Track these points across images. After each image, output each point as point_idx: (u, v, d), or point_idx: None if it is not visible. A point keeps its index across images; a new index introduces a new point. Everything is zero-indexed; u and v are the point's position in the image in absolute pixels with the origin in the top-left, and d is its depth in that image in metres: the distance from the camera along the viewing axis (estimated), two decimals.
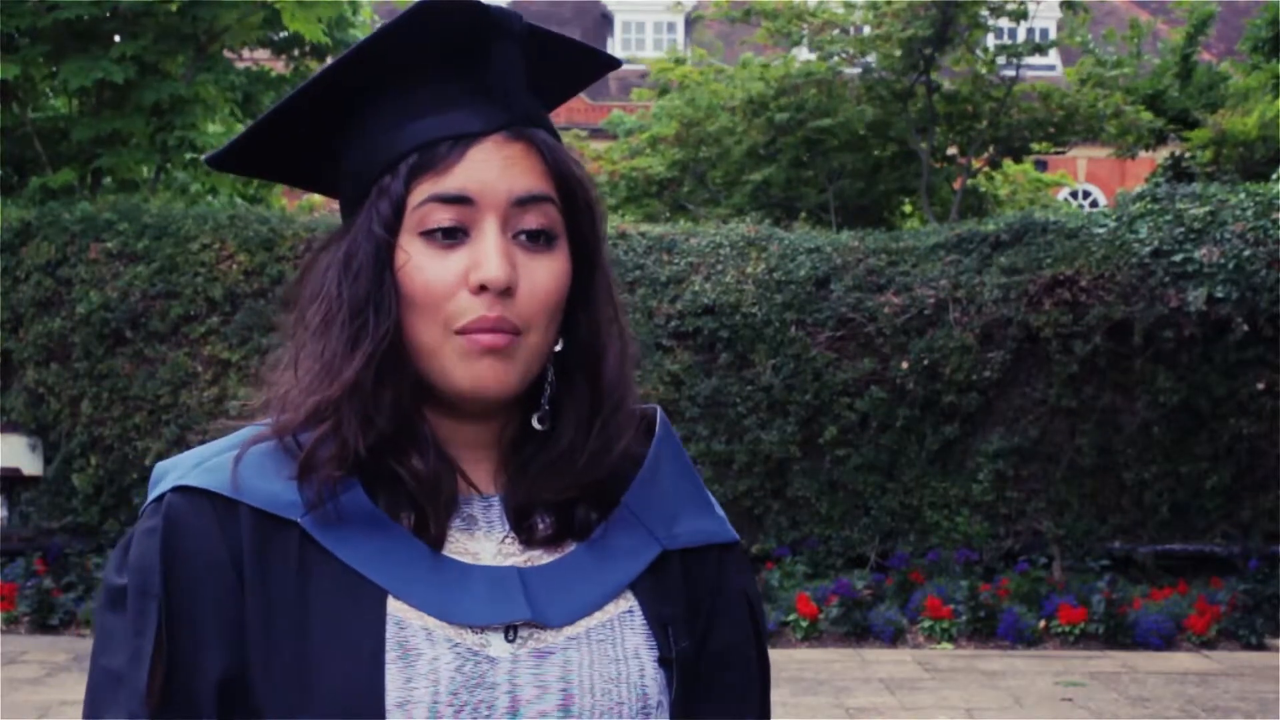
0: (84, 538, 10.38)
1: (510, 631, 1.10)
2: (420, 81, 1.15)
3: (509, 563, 1.14)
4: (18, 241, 10.57)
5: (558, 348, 1.16)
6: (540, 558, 1.15)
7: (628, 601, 1.15)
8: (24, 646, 8.88)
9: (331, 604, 1.09)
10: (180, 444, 10.09)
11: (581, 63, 1.26)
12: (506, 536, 1.15)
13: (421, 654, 1.08)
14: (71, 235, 10.49)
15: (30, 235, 10.56)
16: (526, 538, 1.15)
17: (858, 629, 9.22)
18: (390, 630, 1.08)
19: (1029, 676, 8.19)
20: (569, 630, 1.12)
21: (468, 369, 1.11)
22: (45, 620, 9.40)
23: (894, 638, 9.18)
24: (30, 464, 10.50)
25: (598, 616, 1.13)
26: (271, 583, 1.09)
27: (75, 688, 7.63)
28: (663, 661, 1.14)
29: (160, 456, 10.54)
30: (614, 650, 1.13)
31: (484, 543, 1.15)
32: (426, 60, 1.14)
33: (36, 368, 10.49)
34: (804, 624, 9.16)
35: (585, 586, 1.14)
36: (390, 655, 1.07)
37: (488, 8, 1.13)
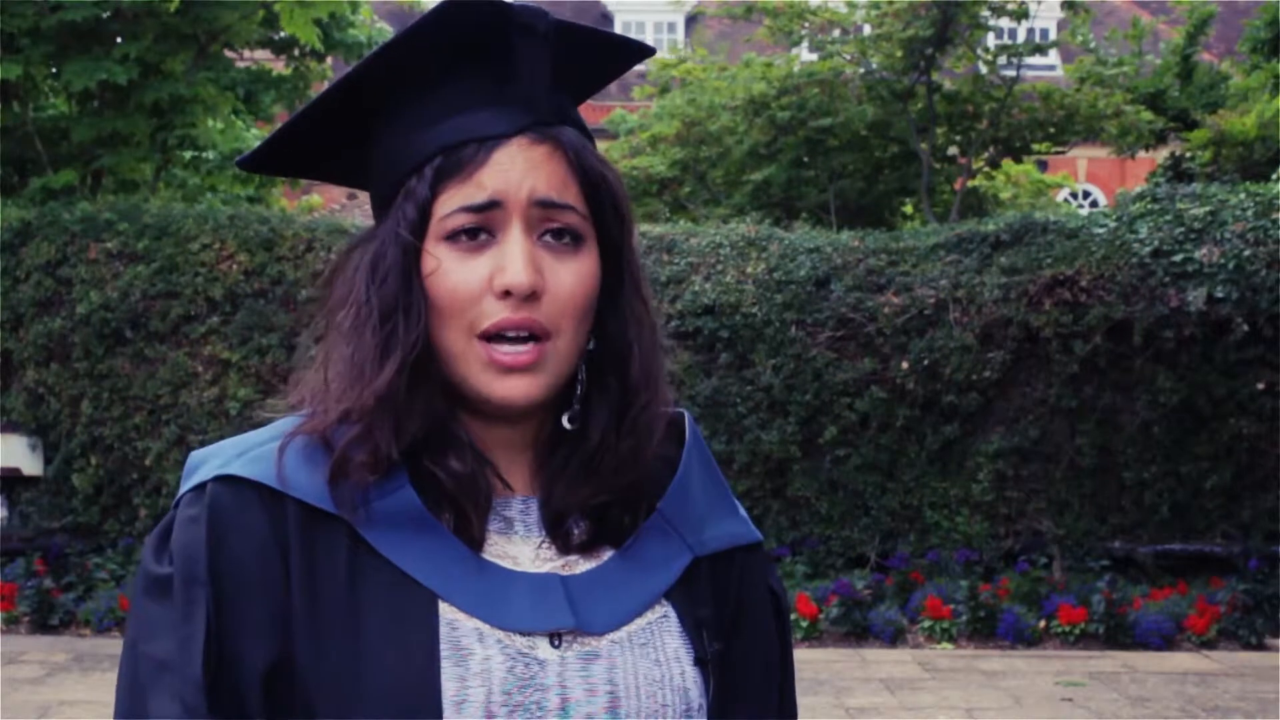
0: (84, 538, 10.38)
1: (555, 638, 1.11)
2: (445, 82, 1.14)
3: (547, 568, 1.15)
4: (18, 241, 10.56)
5: (590, 346, 1.16)
6: (577, 563, 1.16)
7: (663, 607, 1.17)
8: (24, 646, 8.87)
9: (383, 603, 1.09)
10: (181, 444, 10.09)
11: (612, 53, 1.25)
12: (543, 541, 1.16)
13: (474, 654, 1.08)
14: (71, 235, 10.49)
15: (30, 235, 10.55)
16: (563, 543, 1.16)
17: (858, 629, 9.22)
18: (443, 630, 1.09)
19: (1029, 676, 8.19)
20: (611, 635, 1.13)
21: (493, 382, 1.11)
22: (45, 620, 9.40)
23: (894, 638, 9.18)
24: (30, 464, 10.49)
25: (637, 622, 1.15)
26: (319, 577, 1.09)
27: (75, 688, 7.63)
28: (699, 663, 1.16)
29: (160, 456, 10.43)
30: (655, 653, 1.14)
31: (522, 546, 1.15)
32: (451, 60, 1.14)
33: (36, 368, 10.49)
34: (804, 624, 9.16)
35: (624, 594, 1.15)
36: (444, 654, 1.08)
37: (512, 6, 1.13)
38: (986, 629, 9.18)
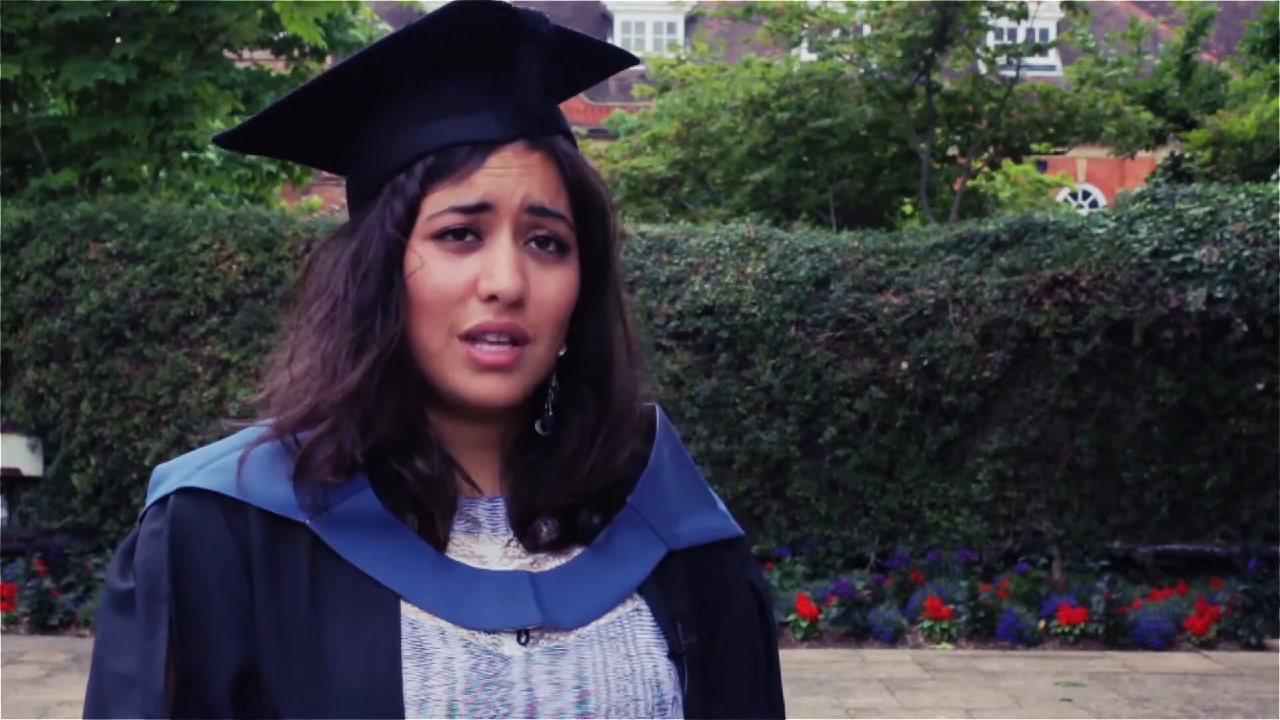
0: (84, 538, 10.38)
1: (523, 635, 1.11)
2: (443, 81, 1.14)
3: (515, 566, 1.14)
4: (18, 241, 10.57)
5: (561, 352, 1.16)
6: (546, 561, 1.15)
7: (636, 601, 1.16)
8: (24, 646, 8.88)
9: (345, 606, 1.09)
10: (180, 444, 10.09)
11: (600, 61, 1.25)
12: (511, 540, 1.15)
13: (436, 653, 1.08)
14: (71, 235, 10.49)
15: (30, 235, 10.56)
16: (530, 542, 1.15)
17: (857, 629, 9.22)
18: (405, 630, 1.08)
19: (1029, 677, 8.19)
20: (580, 630, 1.12)
21: (471, 380, 1.11)
22: (45, 620, 9.40)
23: (894, 638, 9.18)
24: (30, 464, 10.50)
25: (608, 616, 1.14)
26: (282, 585, 1.09)
27: (75, 688, 7.63)
28: (673, 656, 1.15)
29: (160, 456, 10.45)
30: (626, 647, 1.13)
31: (489, 546, 1.15)
32: (451, 61, 1.14)
33: (36, 368, 10.49)
34: (804, 624, 9.16)
35: (595, 590, 1.14)
36: (406, 654, 1.07)
37: (518, 11, 1.12)
38: (986, 629, 9.18)
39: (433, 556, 1.12)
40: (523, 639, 1.11)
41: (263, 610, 1.08)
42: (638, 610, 1.15)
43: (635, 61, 1.28)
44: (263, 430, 1.15)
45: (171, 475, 1.14)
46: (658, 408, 1.25)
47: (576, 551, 1.16)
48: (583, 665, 1.11)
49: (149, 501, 1.14)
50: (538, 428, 1.16)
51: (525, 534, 1.15)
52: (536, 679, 1.10)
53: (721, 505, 1.26)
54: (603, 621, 1.13)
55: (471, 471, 1.16)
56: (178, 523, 1.10)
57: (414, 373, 1.12)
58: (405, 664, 1.07)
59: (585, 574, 1.15)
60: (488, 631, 1.10)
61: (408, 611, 1.09)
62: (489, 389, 1.11)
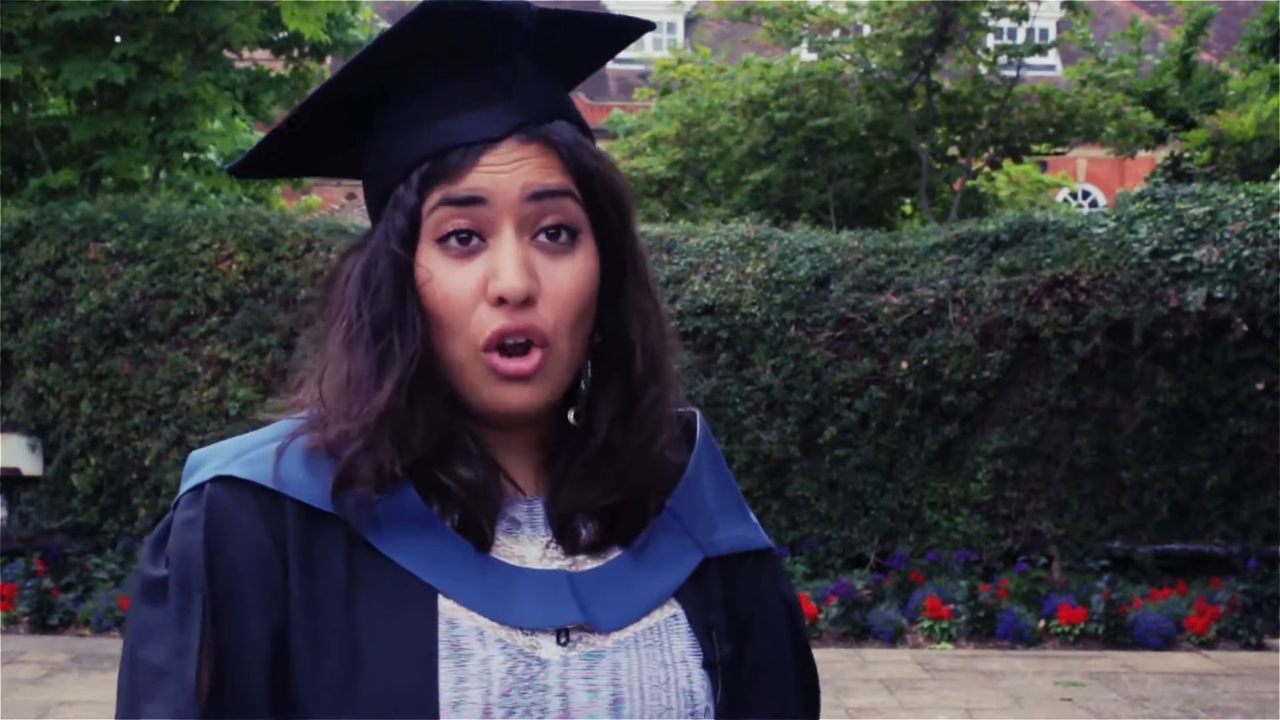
0: (83, 538, 10.38)
1: (562, 635, 1.10)
2: (429, 85, 1.12)
3: (555, 566, 1.13)
4: (18, 241, 10.56)
5: (596, 339, 1.14)
6: (585, 562, 1.14)
7: (672, 607, 1.15)
8: (24, 646, 8.87)
9: (382, 602, 1.07)
10: (180, 444, 10.09)
11: (605, 33, 1.21)
12: (550, 541, 1.14)
13: (473, 654, 1.07)
14: (71, 235, 10.49)
15: (30, 235, 10.55)
16: (570, 544, 1.14)
17: (857, 629, 9.22)
18: (442, 629, 1.07)
19: (1029, 676, 8.20)
20: (617, 635, 1.11)
21: (496, 392, 1.09)
22: (45, 620, 9.40)
23: (894, 638, 9.18)
24: (30, 464, 10.49)
25: (645, 622, 1.13)
26: (317, 578, 1.08)
27: (75, 688, 7.63)
28: (707, 665, 1.14)
29: (160, 456, 10.37)
30: (661, 655, 1.12)
31: (528, 546, 1.14)
32: (434, 63, 1.11)
33: (36, 368, 10.48)
34: None
35: (633, 592, 1.13)
36: (442, 654, 1.06)
37: (492, 4, 1.10)
38: (986, 629, 9.18)
39: (472, 554, 1.10)
40: (562, 639, 1.09)
41: (297, 604, 1.07)
42: (674, 617, 1.14)
43: (650, 26, 1.23)
44: (299, 423, 1.13)
45: (208, 462, 1.12)
46: (698, 413, 1.23)
47: (615, 553, 1.15)
48: (618, 671, 1.10)
49: (184, 488, 1.12)
50: (570, 417, 1.14)
51: (564, 535, 1.14)
52: (572, 683, 1.08)
53: (752, 516, 1.25)
54: (640, 627, 1.12)
55: (511, 473, 1.15)
56: (213, 511, 1.08)
57: (442, 387, 1.10)
58: (442, 664, 1.05)
59: (624, 576, 1.13)
60: (526, 632, 1.09)
61: (445, 610, 1.08)
62: (514, 399, 1.09)
